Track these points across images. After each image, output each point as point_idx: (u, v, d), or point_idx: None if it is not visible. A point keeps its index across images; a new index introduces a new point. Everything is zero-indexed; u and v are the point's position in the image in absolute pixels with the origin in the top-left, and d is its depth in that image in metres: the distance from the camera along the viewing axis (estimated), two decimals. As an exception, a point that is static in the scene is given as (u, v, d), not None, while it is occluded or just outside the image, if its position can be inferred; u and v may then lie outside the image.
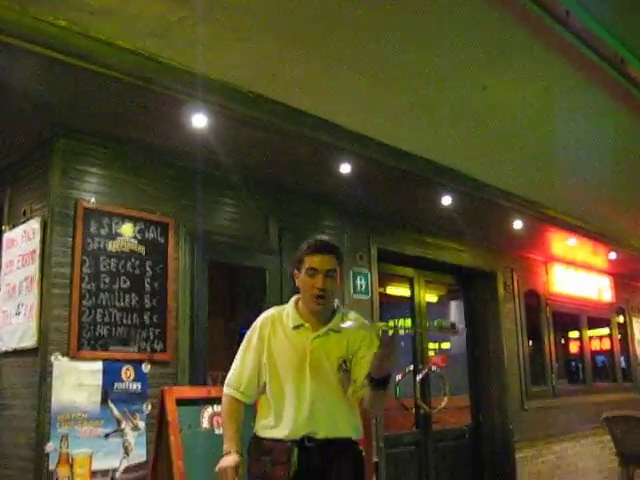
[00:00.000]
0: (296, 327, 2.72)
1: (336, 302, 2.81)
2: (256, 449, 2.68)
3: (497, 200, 5.84)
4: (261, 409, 2.76)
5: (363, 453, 2.79)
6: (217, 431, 3.75)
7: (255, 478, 2.64)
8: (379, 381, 2.49)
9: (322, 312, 2.71)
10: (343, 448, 2.64)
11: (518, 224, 6.52)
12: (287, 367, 2.67)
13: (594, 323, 9.41)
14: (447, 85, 3.93)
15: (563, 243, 7.70)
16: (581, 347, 9.12)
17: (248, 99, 3.81)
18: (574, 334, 9.38)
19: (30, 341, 3.85)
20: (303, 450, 2.57)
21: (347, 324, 2.67)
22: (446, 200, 5.55)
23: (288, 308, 2.79)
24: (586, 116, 4.45)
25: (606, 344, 9.81)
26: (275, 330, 2.75)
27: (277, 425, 2.64)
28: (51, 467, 3.63)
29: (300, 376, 2.64)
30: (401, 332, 2.61)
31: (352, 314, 2.81)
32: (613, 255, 8.39)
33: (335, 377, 2.66)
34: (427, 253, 6.42)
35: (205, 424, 3.73)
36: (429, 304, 7.15)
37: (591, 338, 9.40)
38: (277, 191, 5.10)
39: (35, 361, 3.82)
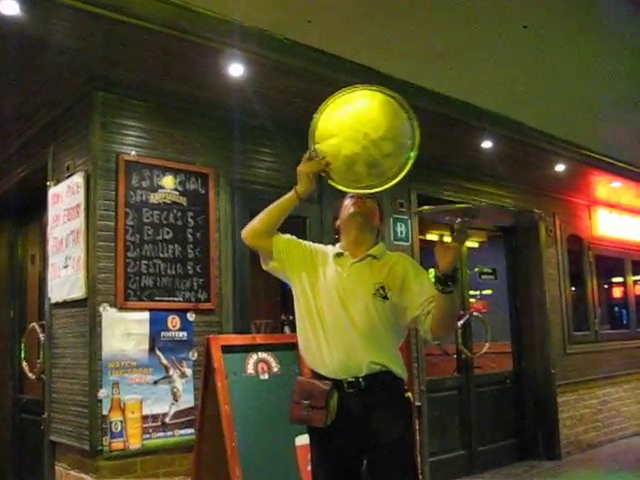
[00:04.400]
0: (337, 256, 2.67)
1: (381, 244, 2.75)
2: (297, 391, 2.60)
3: (539, 143, 5.72)
4: (300, 342, 2.70)
5: (410, 397, 2.62)
6: (261, 377, 3.83)
7: (295, 422, 2.60)
8: (449, 278, 2.35)
9: (361, 237, 2.65)
10: (388, 390, 2.49)
11: (561, 167, 6.40)
12: (323, 294, 2.59)
13: (639, 267, 9.25)
14: (486, 25, 3.82)
15: (607, 186, 7.54)
16: (625, 292, 9.00)
17: (284, 46, 3.77)
18: (618, 279, 9.24)
19: (79, 292, 3.96)
20: (343, 395, 2.46)
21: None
22: (487, 144, 5.47)
23: (333, 246, 2.78)
24: (633, 54, 4.30)
25: (651, 289, 9.66)
26: (324, 257, 2.70)
27: (313, 355, 2.57)
28: (105, 412, 3.77)
29: (335, 303, 2.54)
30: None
31: (397, 254, 2.76)
32: (659, 197, 8.19)
33: (371, 303, 2.51)
34: (467, 199, 6.34)
35: (250, 370, 3.81)
36: (470, 250, 7.10)
37: (635, 283, 9.26)
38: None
39: (84, 312, 3.94)
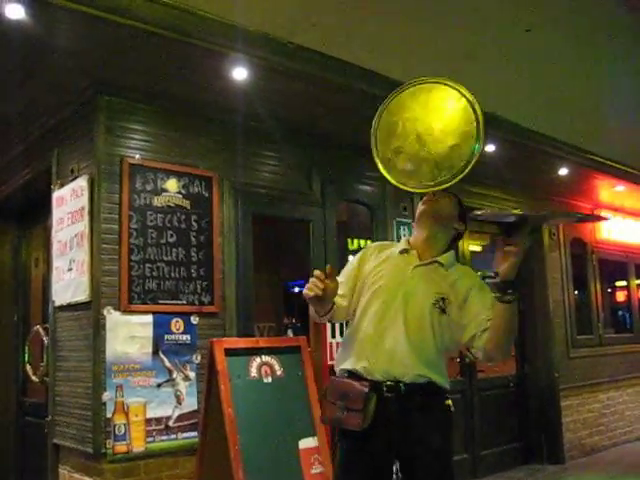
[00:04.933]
0: (402, 252, 2.53)
1: (452, 252, 2.59)
2: (331, 391, 2.48)
3: (542, 147, 5.72)
4: (345, 342, 2.58)
5: (452, 408, 2.46)
6: (265, 380, 3.84)
7: (329, 423, 2.52)
8: (509, 285, 2.18)
9: (433, 239, 2.51)
10: (428, 396, 2.37)
11: (564, 171, 6.39)
12: (381, 290, 2.44)
13: (643, 271, 9.24)
14: (489, 28, 3.83)
15: (610, 190, 7.53)
16: (629, 296, 8.98)
17: (288, 50, 3.78)
18: (621, 282, 9.22)
19: (83, 295, 3.97)
20: (381, 398, 2.33)
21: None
22: (490, 148, 5.47)
23: (400, 241, 2.65)
24: (634, 57, 4.30)
25: (655, 293, 9.64)
26: (379, 253, 2.57)
27: (356, 355, 2.41)
28: (108, 415, 3.78)
29: (391, 302, 2.40)
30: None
31: (464, 267, 2.61)
32: (662, 201, 8.19)
33: (428, 313, 2.36)
34: (471, 202, 6.33)
35: (254, 373, 3.81)
36: (473, 254, 7.09)
37: (639, 286, 9.25)
38: (319, 143, 5.07)
39: (88, 315, 3.94)
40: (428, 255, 2.50)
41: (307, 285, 2.32)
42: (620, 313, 9.51)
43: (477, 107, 2.48)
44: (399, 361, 2.34)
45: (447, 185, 2.44)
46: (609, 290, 9.35)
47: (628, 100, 5.02)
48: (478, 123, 2.43)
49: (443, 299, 2.38)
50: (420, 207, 2.57)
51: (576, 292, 7.79)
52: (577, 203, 7.80)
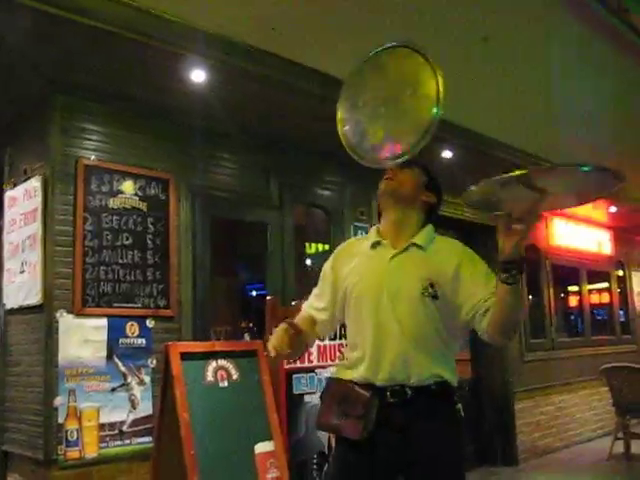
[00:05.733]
0: (374, 245, 2.26)
1: (432, 227, 2.31)
2: (329, 394, 2.25)
3: (497, 153, 5.82)
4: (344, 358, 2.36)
5: (461, 412, 2.17)
6: (221, 384, 3.81)
7: (324, 429, 2.30)
8: (514, 265, 1.89)
9: (402, 219, 2.24)
10: (437, 400, 2.11)
11: (518, 178, 6.49)
12: (363, 294, 2.19)
13: (594, 277, 9.46)
14: (447, 36, 3.88)
15: (563, 197, 7.68)
16: (580, 300, 9.19)
17: (247, 53, 3.78)
18: (574, 288, 9.43)
19: (35, 298, 3.89)
20: (384, 404, 2.08)
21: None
22: (447, 154, 5.54)
23: (369, 232, 2.37)
24: (588, 66, 4.41)
25: (605, 298, 9.87)
26: (350, 255, 2.33)
27: (355, 365, 2.18)
28: (60, 420, 3.70)
29: (377, 305, 2.14)
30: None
31: (448, 240, 2.33)
32: (613, 209, 8.40)
33: (419, 304, 2.10)
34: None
35: (209, 377, 3.78)
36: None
37: (590, 292, 9.47)
38: (277, 146, 5.07)
39: (41, 318, 3.87)
40: (402, 240, 2.22)
41: (271, 340, 2.15)
42: (572, 317, 9.73)
43: (438, 71, 2.21)
44: (402, 362, 2.09)
45: (404, 158, 2.18)
46: (562, 295, 9.55)
47: (583, 110, 5.14)
48: (437, 85, 2.17)
49: (431, 284, 2.11)
50: (379, 187, 2.29)
51: (530, 297, 7.94)
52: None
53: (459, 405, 2.17)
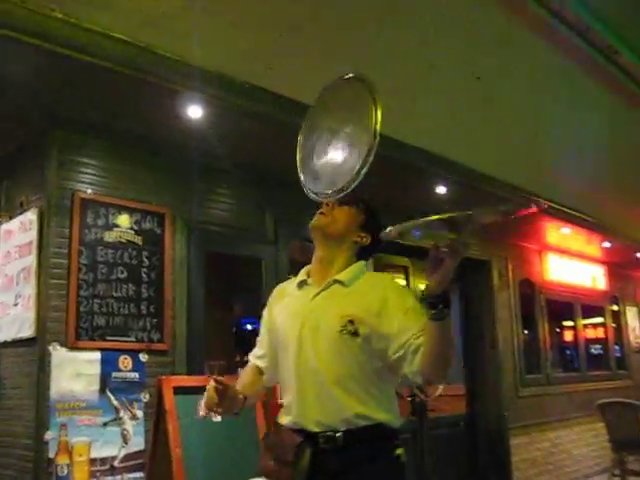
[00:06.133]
0: (300, 285, 2.20)
1: (362, 263, 2.20)
2: (268, 439, 2.23)
3: (490, 189, 5.86)
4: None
5: (403, 458, 2.04)
6: (214, 419, 3.79)
7: (262, 475, 2.20)
8: (439, 299, 1.79)
9: (329, 257, 2.15)
10: (374, 445, 1.98)
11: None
12: (287, 336, 2.11)
13: (588, 312, 9.47)
14: (440, 74, 3.95)
15: (557, 232, 7.74)
16: (575, 335, 9.18)
17: (244, 90, 3.82)
18: (569, 323, 9.44)
19: (28, 331, 3.88)
20: (317, 451, 1.96)
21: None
22: (440, 189, 5.58)
23: (300, 271, 2.28)
24: (580, 106, 4.49)
25: (600, 332, 9.88)
26: (282, 297, 2.27)
27: (287, 409, 2.09)
28: (51, 455, 3.66)
29: (300, 346, 2.05)
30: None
31: (376, 275, 2.24)
32: (607, 244, 8.45)
33: (340, 343, 1.99)
34: (421, 242, 6.42)
35: (202, 412, 3.76)
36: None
37: (585, 326, 9.47)
38: (273, 182, 5.10)
39: (33, 351, 3.85)
40: (328, 277, 2.13)
41: (204, 399, 2.09)
42: (568, 352, 9.71)
43: (378, 103, 2.09)
44: (332, 407, 1.98)
45: (338, 195, 2.11)
46: (557, 330, 9.55)
47: (574, 145, 5.21)
48: (375, 119, 2.05)
49: (351, 321, 1.98)
50: (310, 221, 2.22)
51: (525, 332, 7.94)
52: (525, 245, 7.99)
53: (399, 450, 2.04)
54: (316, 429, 1.98)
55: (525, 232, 7.55)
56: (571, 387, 8.45)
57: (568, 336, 9.62)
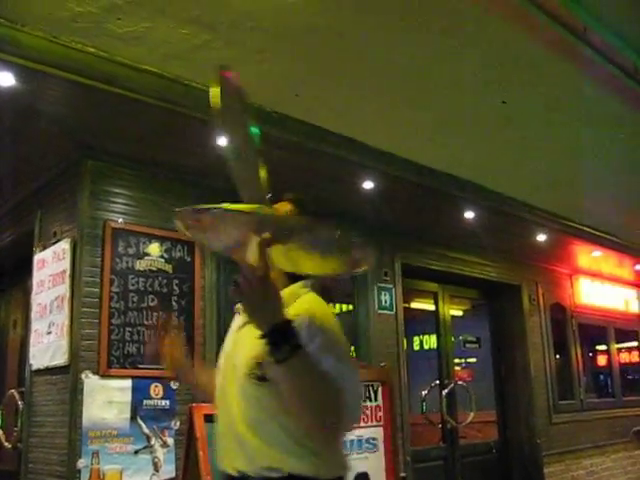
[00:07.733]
0: (238, 311, 1.96)
1: (295, 287, 1.88)
2: None
3: (520, 213, 5.84)
4: None
5: None
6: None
7: None
8: (276, 336, 1.50)
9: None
10: None
11: (542, 237, 6.50)
12: (219, 370, 1.93)
13: (622, 335, 9.29)
14: (467, 101, 3.96)
15: (588, 255, 7.65)
16: (609, 360, 9.02)
17: (272, 119, 3.87)
18: (602, 347, 9.27)
19: (61, 359, 3.92)
20: None
21: None
22: (469, 214, 5.57)
23: None
24: (607, 126, 4.45)
25: (635, 357, 9.69)
26: (234, 320, 2.00)
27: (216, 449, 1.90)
28: (83, 483, 3.69)
29: (223, 382, 1.87)
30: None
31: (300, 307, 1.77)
32: (639, 267, 8.32)
33: (248, 386, 1.72)
34: (451, 267, 6.42)
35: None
36: (454, 318, 7.13)
37: (619, 350, 9.29)
38: (300, 208, 5.13)
39: (66, 379, 3.89)
40: None
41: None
42: (601, 377, 9.51)
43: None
44: (243, 453, 1.74)
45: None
46: (590, 354, 9.38)
47: (604, 168, 5.17)
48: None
49: (260, 364, 1.66)
50: None
51: (557, 357, 7.81)
52: (556, 268, 7.90)
53: None
54: (234, 473, 1.77)
55: (555, 256, 7.47)
56: (606, 413, 8.26)
57: (602, 361, 9.44)
